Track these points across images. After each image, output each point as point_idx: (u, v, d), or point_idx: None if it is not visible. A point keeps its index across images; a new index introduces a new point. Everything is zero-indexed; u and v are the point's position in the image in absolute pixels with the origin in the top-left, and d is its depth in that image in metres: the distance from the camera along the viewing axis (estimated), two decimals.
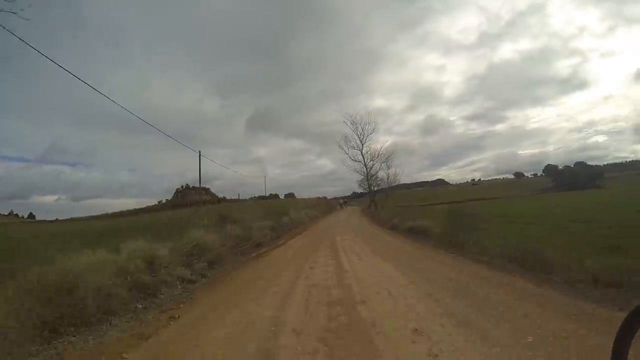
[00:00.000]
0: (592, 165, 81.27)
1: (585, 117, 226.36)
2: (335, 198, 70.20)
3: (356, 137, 28.14)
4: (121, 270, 5.31)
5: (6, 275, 4.29)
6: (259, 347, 3.28)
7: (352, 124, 28.27)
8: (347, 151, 27.97)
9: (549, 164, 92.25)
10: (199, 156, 18.98)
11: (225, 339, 3.58)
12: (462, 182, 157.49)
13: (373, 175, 29.16)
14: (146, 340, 3.65)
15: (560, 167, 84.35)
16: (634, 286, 4.04)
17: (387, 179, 29.90)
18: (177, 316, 4.48)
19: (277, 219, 15.76)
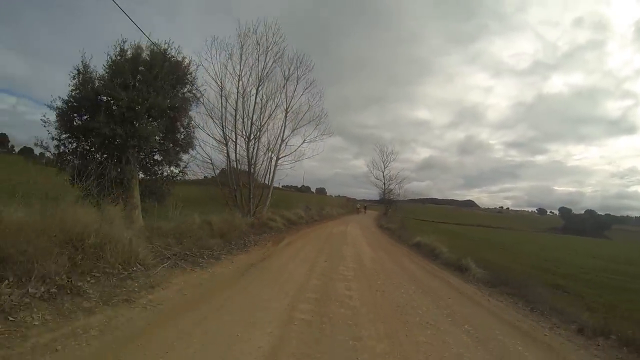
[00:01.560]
0: (601, 215, 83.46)
1: (629, 164, 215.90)
2: (363, 200, 68.60)
3: (381, 162, 34.92)
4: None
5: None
6: (310, 243, 10.07)
7: (380, 151, 35.21)
8: (372, 171, 35.11)
9: (562, 207, 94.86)
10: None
11: (294, 253, 9.92)
12: (491, 207, 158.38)
13: (391, 191, 36.18)
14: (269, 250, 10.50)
15: (575, 212, 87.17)
16: None
17: (398, 196, 37.11)
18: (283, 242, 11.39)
19: (320, 210, 22.84)
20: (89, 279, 3.29)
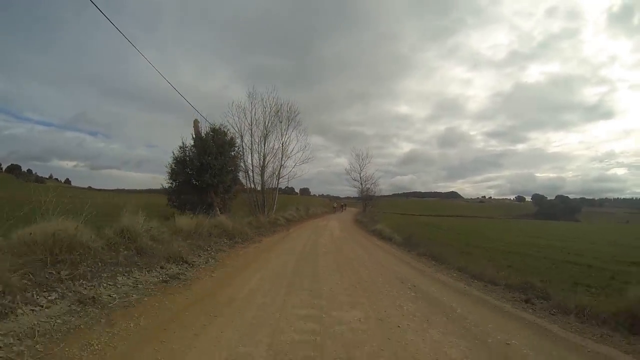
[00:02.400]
0: (570, 199, 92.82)
1: (607, 148, 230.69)
2: (347, 198, 67.31)
3: (357, 165, 41.38)
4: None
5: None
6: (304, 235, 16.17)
7: (356, 156, 41.63)
8: (350, 173, 41.53)
9: (536, 193, 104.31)
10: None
11: (298, 233, 16.33)
12: (475, 197, 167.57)
13: (368, 189, 42.91)
14: (259, 242, 16.55)
15: (549, 198, 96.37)
16: None
17: (374, 193, 43.80)
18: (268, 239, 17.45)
19: (307, 210, 29.10)
20: (238, 239, 9.37)
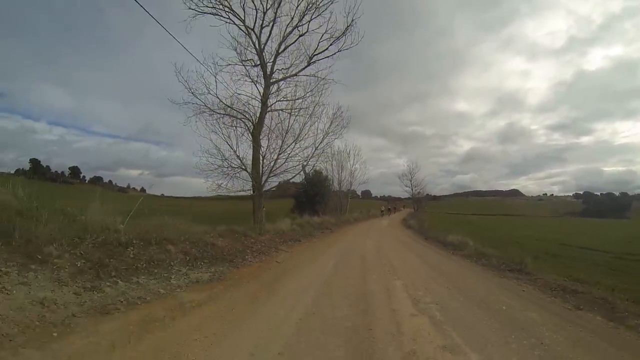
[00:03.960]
0: (619, 196, 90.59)
1: None
2: (407, 199, 72.10)
3: (409, 174, 51.61)
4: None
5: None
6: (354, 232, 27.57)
7: (407, 166, 51.85)
8: (403, 181, 51.73)
9: (585, 191, 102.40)
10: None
11: (364, 225, 27.69)
12: (538, 194, 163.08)
13: (418, 193, 53.15)
14: (341, 229, 28.14)
15: (598, 194, 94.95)
16: None
17: (424, 196, 53.91)
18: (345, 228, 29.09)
19: (367, 212, 40.68)
20: (331, 228, 21.35)
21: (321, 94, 14.51)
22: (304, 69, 13.93)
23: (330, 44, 13.48)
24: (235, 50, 13.14)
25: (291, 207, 25.98)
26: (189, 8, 12.10)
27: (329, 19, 12.94)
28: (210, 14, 12.74)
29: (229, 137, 13.48)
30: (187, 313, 3.94)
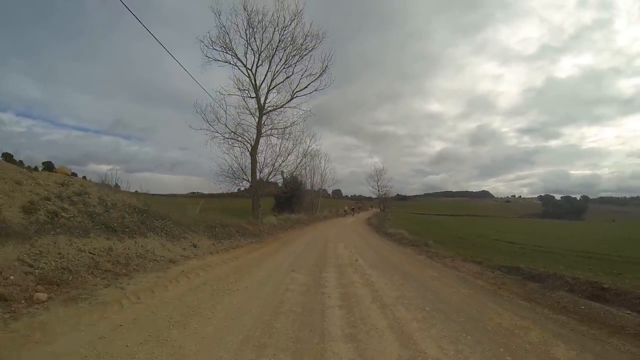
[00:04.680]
0: (579, 200, 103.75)
1: None
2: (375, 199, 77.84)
3: (375, 176, 58.22)
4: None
5: None
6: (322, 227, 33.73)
7: (374, 169, 58.54)
8: (370, 184, 58.17)
9: (546, 194, 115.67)
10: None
11: (330, 221, 33.86)
12: (507, 196, 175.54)
13: (385, 194, 59.96)
14: (312, 224, 34.21)
15: (558, 198, 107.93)
16: None
17: (385, 195, 60.76)
18: (315, 223, 35.20)
19: (337, 210, 46.84)
20: (304, 224, 27.24)
21: (302, 122, 20.54)
22: (288, 102, 19.81)
23: (310, 83, 19.44)
24: (239, 88, 18.87)
25: (272, 206, 31.53)
26: (206, 55, 17.83)
27: (309, 62, 18.97)
28: (220, 60, 18.43)
29: (235, 155, 19.13)
30: (253, 251, 9.93)
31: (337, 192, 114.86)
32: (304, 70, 19.29)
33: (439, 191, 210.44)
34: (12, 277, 4.33)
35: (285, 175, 26.24)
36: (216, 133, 18.73)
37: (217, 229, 11.01)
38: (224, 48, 18.32)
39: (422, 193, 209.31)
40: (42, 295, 4.16)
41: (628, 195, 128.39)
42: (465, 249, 13.49)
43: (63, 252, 5.17)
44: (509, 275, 7.39)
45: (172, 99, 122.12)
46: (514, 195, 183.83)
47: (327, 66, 19.37)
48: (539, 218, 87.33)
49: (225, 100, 18.50)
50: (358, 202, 75.24)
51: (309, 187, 36.57)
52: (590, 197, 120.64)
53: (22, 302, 3.90)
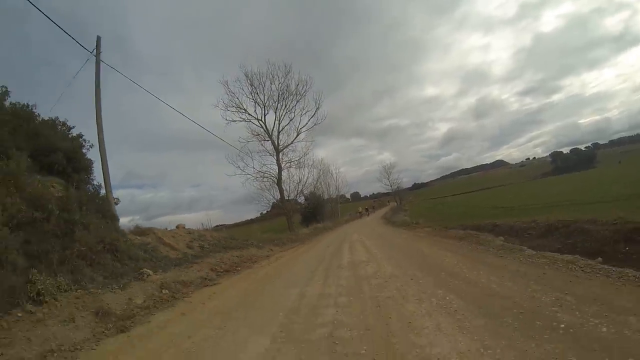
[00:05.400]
0: (585, 150, 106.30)
1: None
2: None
3: (386, 173, 63.74)
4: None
5: None
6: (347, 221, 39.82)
7: (382, 167, 64.24)
8: (382, 180, 63.62)
9: (555, 151, 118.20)
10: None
11: (354, 222, 39.96)
12: (521, 160, 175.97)
13: (397, 188, 65.36)
14: (336, 229, 40.32)
15: (566, 152, 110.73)
16: None
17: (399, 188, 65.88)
18: (339, 227, 41.35)
19: (356, 212, 52.87)
20: (329, 229, 33.52)
21: (309, 151, 26.96)
22: (295, 138, 26.25)
23: (309, 120, 25.83)
24: (257, 136, 25.41)
25: (299, 221, 37.87)
26: (225, 119, 24.46)
27: (304, 103, 25.48)
28: (237, 120, 25.02)
29: (265, 188, 25.55)
30: (301, 247, 16.64)
31: (355, 195, 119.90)
32: (302, 110, 25.84)
33: (455, 171, 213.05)
34: (199, 277, 10.70)
35: (305, 194, 32.61)
36: (248, 175, 25.31)
37: (275, 241, 17.45)
38: (238, 109, 25.06)
39: (439, 176, 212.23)
40: (213, 274, 10.51)
41: None
42: (444, 220, 19.16)
43: (224, 259, 11.56)
44: (451, 229, 13.32)
45: (176, 140, 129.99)
46: (529, 158, 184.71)
47: (319, 104, 25.84)
48: (550, 175, 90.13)
49: (248, 148, 25.13)
50: (377, 200, 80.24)
51: (326, 196, 42.93)
52: (601, 142, 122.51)
53: (209, 282, 10.21)
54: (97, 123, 12.04)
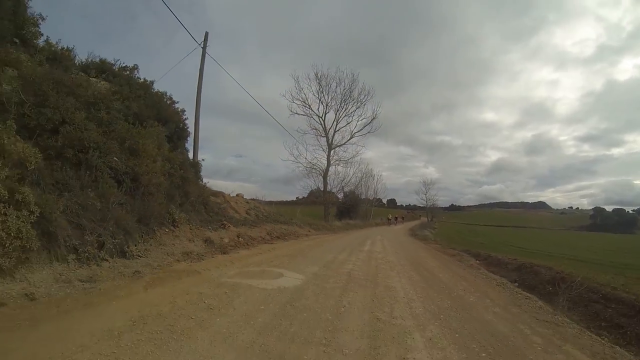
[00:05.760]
0: (630, 213, 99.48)
1: None
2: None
3: (425, 190, 65.13)
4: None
5: None
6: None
7: (422, 182, 65.68)
8: (419, 193, 65.25)
9: (597, 207, 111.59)
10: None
11: (384, 226, 42.56)
12: (565, 207, 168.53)
13: (433, 204, 66.73)
14: (366, 227, 43.01)
15: (609, 210, 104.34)
16: None
17: (433, 206, 67.14)
18: (370, 227, 44.04)
19: (387, 220, 55.27)
20: (360, 227, 36.42)
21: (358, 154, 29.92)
22: (348, 140, 29.28)
23: (364, 126, 28.75)
24: (315, 130, 28.74)
25: (334, 213, 41.06)
26: (290, 110, 27.88)
27: (362, 111, 28.39)
28: (300, 114, 28.37)
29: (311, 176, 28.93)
30: (334, 235, 19.45)
31: (391, 202, 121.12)
32: (360, 117, 28.82)
33: (494, 202, 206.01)
34: (259, 236, 14.10)
35: (345, 191, 35.75)
36: (299, 163, 28.78)
37: (313, 225, 20.71)
38: (303, 103, 28.46)
39: (477, 203, 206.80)
40: (268, 237, 13.89)
41: None
42: (461, 244, 21.54)
43: (275, 229, 14.95)
44: (461, 253, 15.84)
45: (227, 109, 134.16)
46: (572, 207, 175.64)
47: (376, 115, 28.66)
48: (587, 231, 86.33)
49: (305, 140, 28.56)
50: (410, 212, 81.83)
51: (364, 197, 45.72)
52: None
53: (267, 241, 13.55)
54: (196, 102, 15.85)
